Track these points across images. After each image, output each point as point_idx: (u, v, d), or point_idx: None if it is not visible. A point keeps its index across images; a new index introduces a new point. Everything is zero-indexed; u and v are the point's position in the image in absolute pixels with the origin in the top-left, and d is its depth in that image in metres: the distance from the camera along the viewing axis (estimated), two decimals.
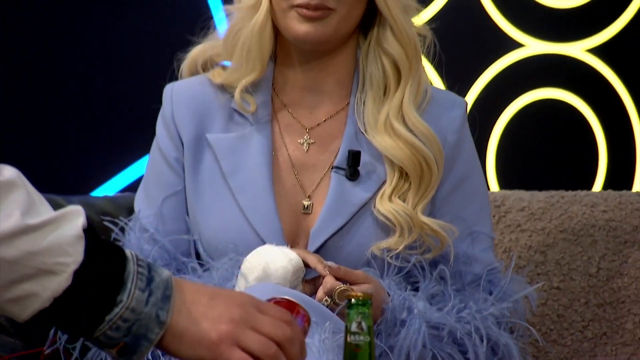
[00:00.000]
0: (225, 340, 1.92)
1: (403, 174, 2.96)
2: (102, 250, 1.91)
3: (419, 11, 3.04)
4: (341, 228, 2.96)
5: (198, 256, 3.10)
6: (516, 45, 4.62)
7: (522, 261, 3.36)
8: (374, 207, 2.95)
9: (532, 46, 4.71)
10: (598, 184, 4.81)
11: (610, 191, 3.60)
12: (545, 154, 4.87)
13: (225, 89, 3.05)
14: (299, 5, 2.89)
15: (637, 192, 3.65)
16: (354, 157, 2.96)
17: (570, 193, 3.54)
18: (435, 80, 4.21)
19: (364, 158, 2.96)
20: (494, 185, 4.63)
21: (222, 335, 1.93)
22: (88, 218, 1.90)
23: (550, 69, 4.76)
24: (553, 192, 3.56)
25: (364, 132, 2.99)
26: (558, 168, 4.92)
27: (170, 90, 3.08)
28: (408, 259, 2.91)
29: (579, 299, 3.38)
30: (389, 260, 2.91)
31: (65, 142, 4.74)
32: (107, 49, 4.67)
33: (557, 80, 4.77)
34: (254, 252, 2.85)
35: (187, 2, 4.65)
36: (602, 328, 3.35)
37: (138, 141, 4.40)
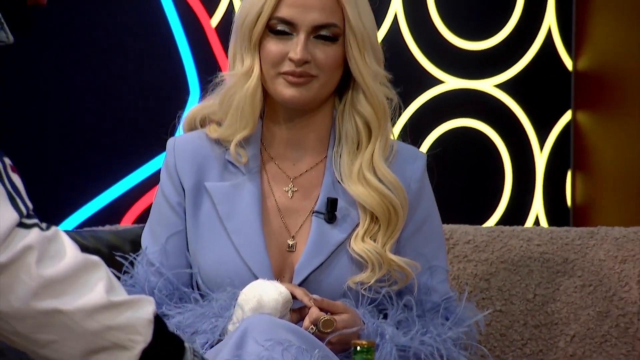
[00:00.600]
0: None
1: (374, 218, 3.12)
2: (166, 337, 2.02)
3: (387, 78, 3.19)
4: (321, 264, 3.11)
5: (198, 288, 3.21)
6: (437, 82, 4.81)
7: (469, 287, 3.46)
8: (349, 246, 3.11)
9: (450, 82, 4.88)
10: (504, 200, 4.94)
11: (543, 227, 3.75)
12: (458, 175, 5.06)
13: (220, 142, 3.18)
14: (285, 73, 3.07)
15: (565, 228, 3.70)
16: (331, 204, 3.12)
17: (508, 228, 3.66)
18: None
19: (340, 204, 3.13)
20: None
21: None
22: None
23: (465, 102, 4.95)
24: (494, 227, 3.70)
25: (340, 181, 3.15)
26: (470, 189, 5.06)
27: (173, 143, 3.23)
28: (379, 290, 3.08)
29: (519, 320, 3.51)
30: (363, 292, 3.07)
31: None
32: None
33: (471, 111, 4.95)
34: (249, 285, 2.99)
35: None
36: (538, 346, 3.50)
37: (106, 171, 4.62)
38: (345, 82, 3.20)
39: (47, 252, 1.94)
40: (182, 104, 4.54)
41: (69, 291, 1.94)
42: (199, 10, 4.53)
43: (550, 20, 4.92)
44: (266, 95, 3.19)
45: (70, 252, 1.96)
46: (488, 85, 4.84)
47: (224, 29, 4.57)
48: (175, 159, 3.23)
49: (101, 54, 4.58)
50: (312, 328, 2.97)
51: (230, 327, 3.02)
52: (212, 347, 3.04)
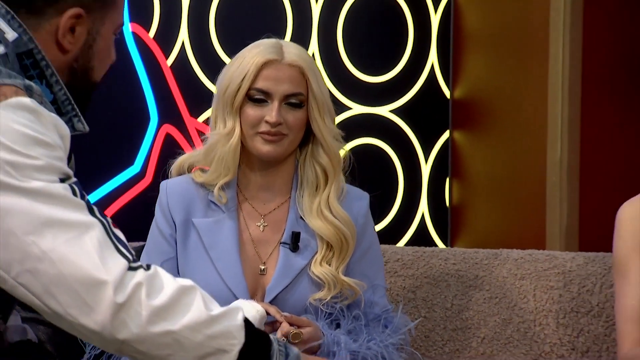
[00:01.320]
0: None
1: (329, 246, 3.13)
2: (256, 335, 2.03)
3: (341, 136, 3.20)
4: (287, 285, 3.11)
5: None
6: (346, 108, 4.79)
7: (399, 298, 3.45)
8: (310, 270, 3.12)
9: (355, 108, 4.85)
10: (398, 201, 4.96)
11: (457, 249, 3.75)
12: (363, 182, 4.85)
13: (204, 186, 3.16)
14: (262, 132, 3.08)
15: (475, 250, 3.75)
16: (295, 236, 3.12)
17: (429, 249, 3.65)
18: None
19: (302, 236, 3.12)
20: None
21: None
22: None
23: (367, 124, 4.93)
24: (417, 248, 3.66)
25: (302, 217, 3.14)
26: (372, 192, 4.92)
27: (165, 185, 3.20)
28: (334, 305, 3.09)
29: (439, 325, 3.49)
30: (321, 307, 3.08)
31: None
32: None
33: (372, 131, 4.92)
34: (232, 304, 2.66)
35: None
36: (455, 346, 3.49)
37: None
38: (306, 138, 3.19)
39: (153, 286, 1.95)
40: (143, 130, 4.47)
41: (174, 313, 1.95)
42: (157, 51, 4.50)
43: (433, 59, 4.91)
44: (242, 149, 3.17)
45: (169, 283, 1.98)
46: (385, 111, 4.82)
47: (178, 68, 4.55)
48: (167, 198, 3.20)
49: None
50: (283, 339, 2.88)
51: None
52: None
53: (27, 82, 2.02)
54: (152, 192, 4.22)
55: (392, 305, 3.24)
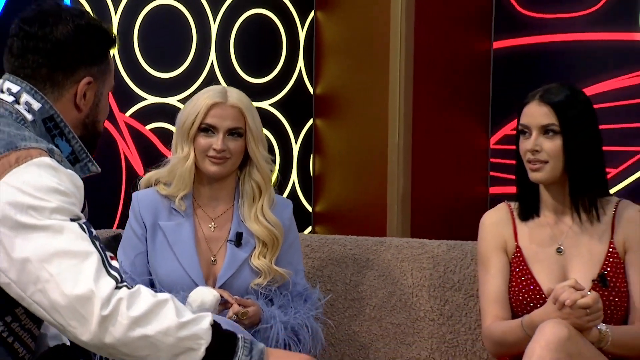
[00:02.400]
0: None
1: (264, 244, 3.16)
2: (222, 335, 1.98)
3: (271, 159, 3.22)
4: (233, 273, 3.12)
5: (155, 289, 3.09)
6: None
7: (310, 275, 3.41)
8: (250, 261, 3.14)
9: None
10: (276, 170, 4.93)
11: (353, 237, 3.58)
12: None
13: (167, 197, 3.17)
14: (210, 156, 3.10)
15: (365, 237, 3.65)
16: (239, 235, 3.15)
17: (331, 237, 3.59)
18: None
19: (244, 235, 3.15)
20: None
21: None
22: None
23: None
24: (322, 236, 3.63)
25: (243, 221, 3.17)
26: None
27: (137, 196, 3.20)
28: (269, 288, 3.14)
29: (341, 296, 3.44)
30: (260, 290, 3.13)
31: None
32: None
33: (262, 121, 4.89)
34: (194, 290, 2.99)
35: None
36: (353, 311, 3.42)
37: None
38: (244, 161, 3.20)
39: (132, 301, 1.96)
40: None
41: (149, 321, 1.94)
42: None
43: (300, 64, 4.86)
44: (196, 169, 3.17)
45: (147, 298, 1.97)
46: (267, 104, 4.76)
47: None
48: (139, 206, 3.19)
49: None
50: (234, 317, 2.97)
51: None
52: None
53: (50, 145, 2.06)
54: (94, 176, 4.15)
55: (309, 284, 3.29)
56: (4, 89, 2.16)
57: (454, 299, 3.33)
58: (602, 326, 2.73)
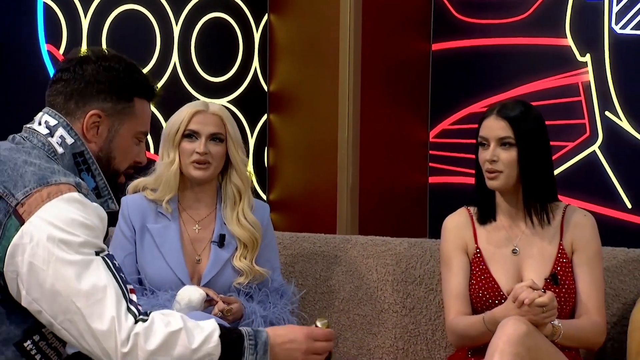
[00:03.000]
0: (304, 357, 2.08)
1: (245, 245, 3.15)
2: (230, 343, 2.01)
3: (245, 161, 3.21)
4: (217, 272, 3.12)
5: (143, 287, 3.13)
6: (196, 99, 4.53)
7: (283, 270, 3.35)
8: (232, 262, 3.13)
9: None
10: None
11: (321, 234, 3.58)
12: None
13: (154, 201, 3.16)
14: (194, 161, 3.10)
15: (332, 235, 3.70)
16: (222, 237, 3.14)
17: (301, 235, 3.57)
18: None
19: (227, 236, 3.15)
20: None
21: (301, 356, 2.09)
22: None
23: None
24: (292, 234, 3.59)
25: (225, 223, 3.15)
26: None
27: (126, 201, 3.16)
28: (250, 286, 3.14)
29: (312, 289, 3.43)
30: (242, 288, 3.13)
31: None
32: None
33: None
34: (182, 289, 2.99)
35: None
36: (323, 304, 3.43)
37: None
38: (225, 166, 3.19)
39: (148, 334, 1.97)
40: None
41: (165, 353, 1.97)
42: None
43: (255, 64, 4.82)
44: (180, 174, 3.16)
45: (160, 330, 1.98)
46: (225, 101, 4.71)
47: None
48: (128, 210, 3.15)
49: None
50: (219, 314, 2.97)
51: None
52: None
53: (78, 179, 2.06)
54: None
55: (285, 280, 3.29)
56: (42, 121, 2.15)
57: (416, 293, 3.34)
58: (555, 321, 2.78)
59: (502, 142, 2.96)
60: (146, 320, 1.99)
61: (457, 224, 3.11)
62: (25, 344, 2.03)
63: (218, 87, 4.76)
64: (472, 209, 3.12)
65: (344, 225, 4.65)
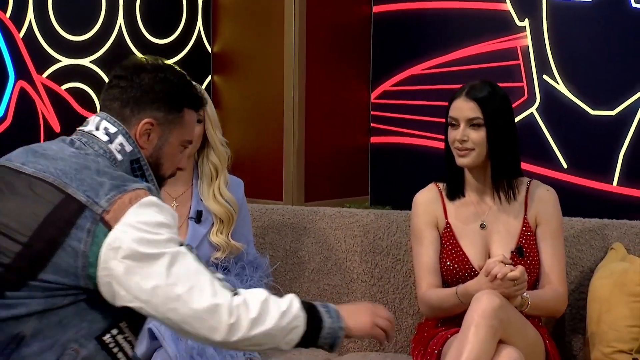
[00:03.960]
0: (371, 325, 2.22)
1: (221, 220, 3.23)
2: (309, 308, 2.15)
3: (225, 143, 3.29)
4: (195, 247, 3.11)
5: None
6: None
7: (254, 241, 3.39)
8: (209, 237, 3.21)
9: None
10: None
11: (290, 206, 3.68)
12: None
13: None
14: None
15: (301, 207, 3.75)
16: (199, 213, 3.21)
17: (270, 206, 3.66)
18: None
19: (203, 213, 3.22)
20: None
21: (369, 323, 2.22)
22: None
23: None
24: (261, 206, 3.65)
25: (202, 200, 3.23)
26: None
27: None
28: (228, 260, 3.23)
29: (282, 261, 3.50)
30: (220, 263, 3.22)
31: None
32: None
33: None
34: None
35: None
36: (294, 275, 3.50)
37: None
38: (202, 144, 3.27)
39: (247, 305, 2.10)
40: (4, 86, 4.29)
41: (264, 319, 2.09)
42: (12, 27, 4.32)
43: (199, 25, 4.91)
44: None
45: (255, 299, 2.12)
46: (170, 63, 4.76)
47: (27, 39, 4.39)
48: None
49: None
50: None
51: None
52: None
53: (147, 184, 2.18)
54: (12, 130, 4.15)
55: (259, 254, 3.39)
56: (101, 127, 2.24)
57: (383, 263, 3.44)
58: (524, 293, 2.95)
59: (472, 123, 3.07)
60: (238, 294, 2.12)
61: (427, 199, 3.23)
62: (105, 338, 2.13)
63: (163, 49, 4.82)
64: (441, 185, 3.24)
65: (290, 186, 4.80)
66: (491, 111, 3.08)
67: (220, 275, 2.19)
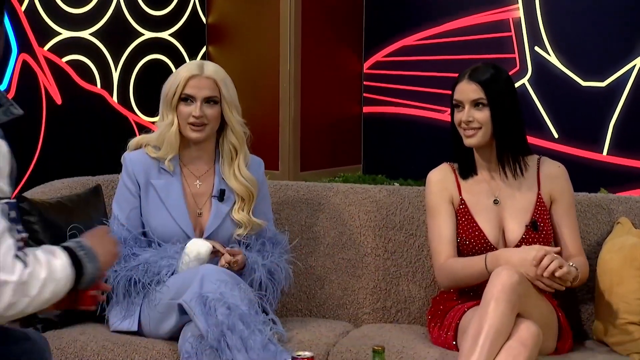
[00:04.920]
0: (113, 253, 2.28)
1: (242, 198, 3.34)
2: (72, 254, 2.15)
3: (243, 122, 3.37)
4: (219, 225, 3.30)
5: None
6: (140, 34, 4.74)
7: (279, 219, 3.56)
8: (231, 214, 3.33)
9: (146, 34, 4.85)
10: None
11: (304, 182, 3.70)
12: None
13: (156, 159, 3.31)
14: (190, 123, 3.28)
15: (314, 183, 3.76)
16: (221, 192, 3.33)
17: (284, 183, 3.73)
18: None
19: (226, 191, 3.33)
20: None
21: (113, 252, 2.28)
22: None
23: (156, 44, 4.96)
24: (276, 182, 3.71)
25: (223, 179, 3.34)
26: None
27: (128, 157, 3.33)
28: (249, 237, 3.34)
29: (298, 235, 3.57)
30: (243, 240, 3.33)
31: None
32: None
33: (158, 49, 5.01)
34: (190, 242, 3.20)
35: None
36: (309, 249, 3.59)
37: None
38: (221, 126, 3.37)
39: (29, 285, 2.06)
40: (7, 58, 4.34)
41: (40, 299, 2.07)
42: (14, 1, 4.36)
43: None
44: (180, 133, 3.33)
45: (37, 280, 2.07)
46: (167, 35, 4.85)
47: (29, 12, 4.41)
48: (132, 167, 3.32)
49: None
50: (225, 265, 3.18)
51: (181, 265, 3.20)
52: (172, 274, 3.18)
53: None
54: (15, 102, 4.20)
55: (278, 230, 3.50)
56: None
57: (396, 238, 3.54)
58: (573, 267, 3.05)
59: (475, 104, 3.20)
60: (27, 265, 2.07)
61: (441, 177, 3.34)
62: None
63: (159, 20, 4.89)
64: (454, 165, 3.37)
65: (287, 155, 4.90)
66: (494, 92, 3.21)
67: (25, 248, 2.13)
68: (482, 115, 3.21)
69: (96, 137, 4.65)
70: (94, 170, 4.37)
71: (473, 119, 3.22)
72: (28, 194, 3.47)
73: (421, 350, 3.11)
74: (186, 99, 3.28)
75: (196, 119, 3.27)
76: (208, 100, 3.28)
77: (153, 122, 4.95)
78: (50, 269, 2.08)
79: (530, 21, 4.88)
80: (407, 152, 4.89)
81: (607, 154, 4.70)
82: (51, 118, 4.37)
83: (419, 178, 4.80)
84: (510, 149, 3.27)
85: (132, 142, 3.39)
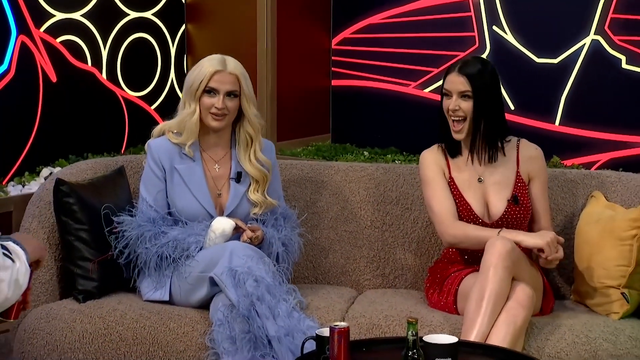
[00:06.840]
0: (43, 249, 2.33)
1: (257, 181, 3.51)
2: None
3: (257, 114, 3.51)
4: (237, 204, 3.48)
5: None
6: (126, 14, 4.83)
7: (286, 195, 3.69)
8: (248, 195, 3.50)
9: (131, 14, 4.94)
10: (158, 68, 5.09)
11: (308, 161, 3.86)
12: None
13: (178, 145, 3.47)
14: (212, 113, 3.46)
15: (318, 162, 3.88)
16: (238, 174, 3.50)
17: (288, 161, 3.87)
18: None
19: (242, 174, 3.50)
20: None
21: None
22: None
23: (140, 24, 5.00)
24: (281, 161, 3.80)
25: (240, 163, 3.50)
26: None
27: (153, 144, 3.49)
28: (265, 215, 3.51)
29: (303, 211, 3.71)
30: (259, 218, 3.50)
31: None
32: None
33: (143, 28, 5.09)
34: (215, 220, 3.38)
35: None
36: (313, 223, 3.71)
37: None
38: (238, 115, 3.55)
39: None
40: (7, 40, 4.42)
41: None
42: None
43: None
44: (200, 121, 3.51)
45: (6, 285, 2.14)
46: (150, 14, 4.90)
47: None
48: (157, 152, 3.49)
49: None
50: (247, 240, 3.38)
51: (207, 241, 3.38)
52: (200, 249, 3.36)
53: None
54: (15, 82, 4.29)
55: (287, 205, 3.70)
56: None
57: (393, 211, 3.74)
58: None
59: (462, 95, 3.47)
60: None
61: (434, 156, 3.58)
62: None
63: (143, 1, 4.99)
64: (443, 145, 3.61)
65: (266, 128, 5.07)
66: (479, 85, 3.47)
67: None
68: (468, 105, 3.48)
69: (88, 112, 4.76)
70: (87, 143, 4.52)
71: (459, 108, 3.48)
72: (63, 177, 3.58)
73: (426, 315, 3.31)
74: (210, 91, 3.45)
75: (218, 110, 3.45)
76: (229, 94, 3.45)
77: (139, 97, 5.06)
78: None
79: (488, 2, 5.09)
80: (373, 122, 5.11)
81: (559, 124, 4.95)
82: (47, 95, 4.48)
83: (385, 146, 5.08)
84: (487, 137, 3.51)
85: (156, 129, 3.55)
